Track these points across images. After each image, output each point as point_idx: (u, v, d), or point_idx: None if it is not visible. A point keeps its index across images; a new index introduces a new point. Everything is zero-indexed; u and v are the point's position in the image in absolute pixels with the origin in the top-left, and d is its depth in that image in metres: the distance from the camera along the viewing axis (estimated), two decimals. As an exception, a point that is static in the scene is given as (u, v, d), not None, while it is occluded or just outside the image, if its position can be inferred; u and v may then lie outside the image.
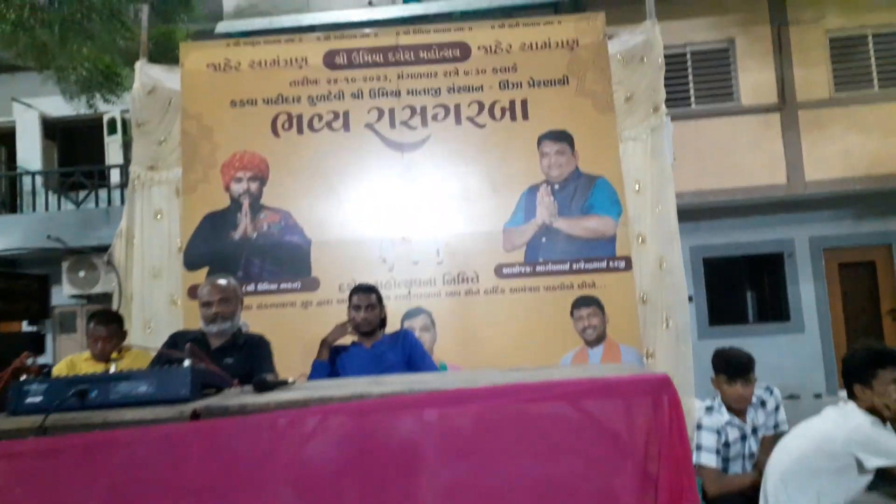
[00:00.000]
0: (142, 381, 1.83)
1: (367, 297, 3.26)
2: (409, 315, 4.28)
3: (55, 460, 1.69)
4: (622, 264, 4.27)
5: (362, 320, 3.19)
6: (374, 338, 3.25)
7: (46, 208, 8.60)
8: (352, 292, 3.35)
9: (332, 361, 3.16)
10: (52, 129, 9.49)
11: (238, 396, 1.88)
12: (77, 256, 8.04)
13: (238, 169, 4.50)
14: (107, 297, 8.25)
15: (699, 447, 2.83)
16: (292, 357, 3.67)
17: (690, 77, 7.91)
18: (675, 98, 7.68)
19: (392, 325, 3.87)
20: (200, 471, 1.68)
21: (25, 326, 7.01)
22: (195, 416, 1.72)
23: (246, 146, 4.51)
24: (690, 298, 7.83)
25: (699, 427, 2.88)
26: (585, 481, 1.64)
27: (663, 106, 4.44)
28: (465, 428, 1.64)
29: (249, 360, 2.82)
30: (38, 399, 1.83)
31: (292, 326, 4.25)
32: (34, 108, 9.17)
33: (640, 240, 4.35)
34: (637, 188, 4.40)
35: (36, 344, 1.90)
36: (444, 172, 4.45)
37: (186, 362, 1.89)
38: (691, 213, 7.53)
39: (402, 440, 1.63)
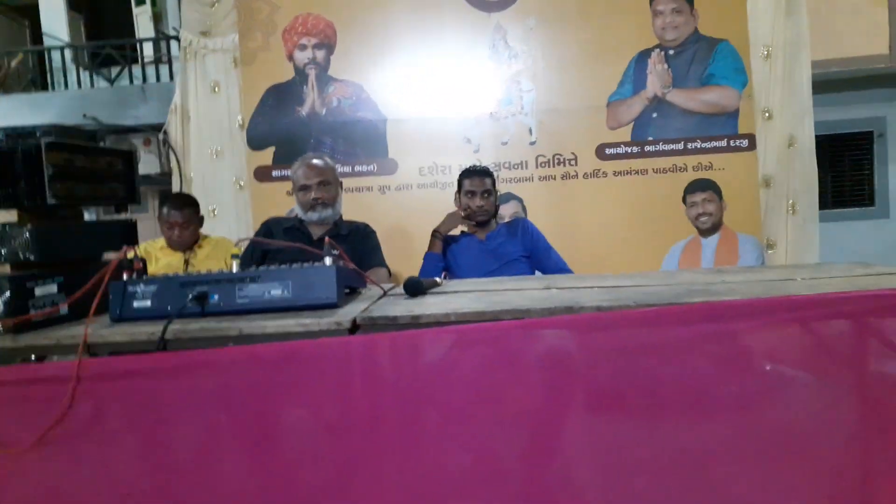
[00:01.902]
0: (275, 283, 1.44)
1: (481, 181, 2.80)
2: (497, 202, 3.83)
3: (181, 381, 1.33)
4: (745, 143, 3.74)
5: (477, 209, 2.75)
6: (487, 228, 2.82)
7: (79, 85, 8.10)
8: (462, 176, 2.89)
9: (443, 254, 2.75)
10: (77, 0, 8.79)
11: (396, 303, 1.49)
12: (116, 136, 7.63)
13: (301, 35, 3.94)
14: (148, 178, 7.91)
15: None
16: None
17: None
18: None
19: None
20: (361, 395, 1.31)
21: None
22: (354, 328, 1.33)
23: (310, 7, 3.94)
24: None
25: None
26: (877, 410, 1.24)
27: (802, -47, 3.74)
28: (724, 351, 1.22)
29: (356, 251, 2.43)
30: (146, 303, 1.46)
31: (369, 212, 3.80)
32: (55, -24, 8.45)
33: (766, 115, 3.79)
34: (765, 54, 3.78)
35: (129, 235, 1.57)
36: (538, 36, 3.86)
37: (328, 260, 1.48)
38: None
39: (635, 365, 1.23)
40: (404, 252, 3.51)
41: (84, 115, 7.24)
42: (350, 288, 1.68)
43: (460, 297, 1.49)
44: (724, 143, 3.76)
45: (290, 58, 3.93)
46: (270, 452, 1.29)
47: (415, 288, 1.56)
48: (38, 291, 1.49)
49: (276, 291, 1.44)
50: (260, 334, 1.33)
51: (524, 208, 3.87)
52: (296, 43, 3.92)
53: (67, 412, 1.33)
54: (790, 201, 3.80)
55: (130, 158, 1.73)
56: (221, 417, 1.33)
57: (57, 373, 1.37)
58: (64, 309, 1.52)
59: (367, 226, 2.65)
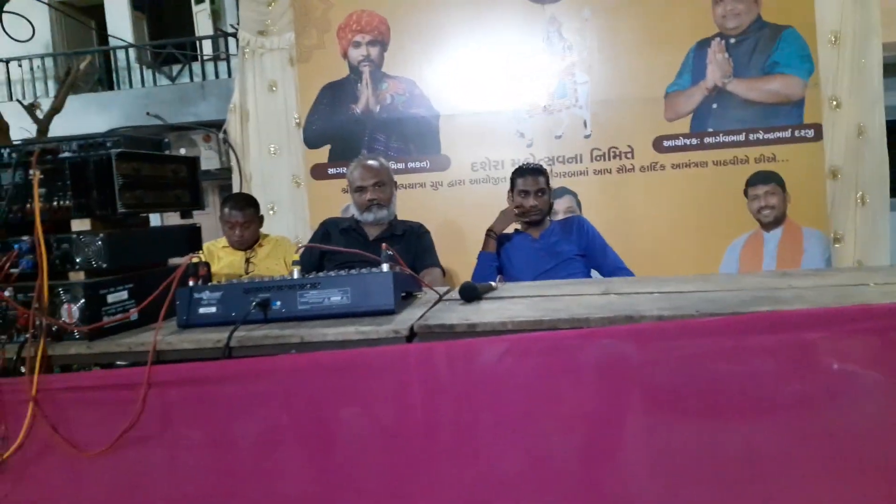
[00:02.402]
0: (335, 290, 1.47)
1: (535, 180, 2.78)
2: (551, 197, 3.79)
3: (247, 387, 1.37)
4: (810, 133, 3.60)
5: (531, 208, 2.73)
6: (541, 227, 2.80)
7: (143, 84, 8.38)
8: (515, 174, 2.88)
9: (496, 253, 2.74)
10: (140, 0, 9.08)
11: (451, 309, 1.49)
12: (177, 133, 7.87)
13: (356, 32, 3.97)
14: (209, 173, 8.14)
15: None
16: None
17: None
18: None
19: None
20: (419, 403, 1.32)
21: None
22: (411, 335, 1.34)
23: (363, 4, 3.95)
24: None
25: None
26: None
27: (873, -68, 3.56)
28: (790, 363, 1.18)
29: (411, 251, 2.45)
30: (211, 309, 1.51)
31: (422, 209, 3.84)
32: (119, -23, 8.75)
33: (833, 103, 3.63)
34: (833, 40, 3.62)
35: (194, 241, 1.63)
36: (593, 27, 3.78)
37: (385, 266, 1.49)
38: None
39: (701, 375, 1.20)
40: (458, 249, 3.52)
41: (147, 113, 7.49)
42: (407, 292, 1.69)
43: (516, 303, 1.49)
44: (788, 133, 3.63)
45: (345, 55, 3.96)
46: (332, 459, 1.32)
47: (470, 293, 1.57)
48: (111, 298, 1.55)
49: (335, 298, 1.47)
50: (321, 341, 1.35)
51: (578, 203, 3.82)
52: (350, 40, 3.95)
53: (139, 417, 1.39)
54: (859, 193, 3.64)
55: (194, 165, 1.78)
56: (285, 424, 1.37)
57: (129, 379, 1.43)
58: (134, 315, 1.58)
59: (421, 226, 2.66)
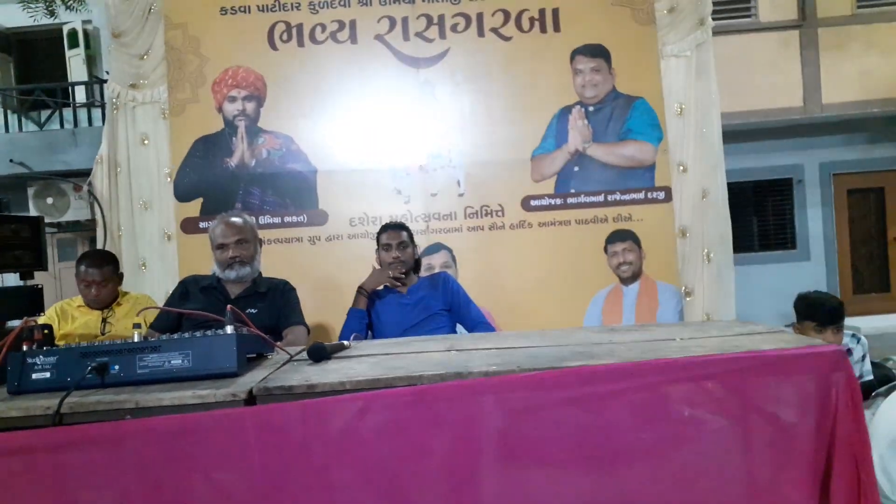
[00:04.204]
0: (175, 353, 1.46)
1: (397, 234, 2.88)
2: (428, 252, 3.91)
3: (76, 455, 1.33)
4: (661, 195, 3.93)
5: (394, 260, 2.81)
6: (409, 281, 2.88)
7: (7, 129, 7.91)
8: (379, 231, 2.97)
9: (367, 309, 2.79)
10: (7, 42, 8.62)
11: (295, 370, 1.52)
12: (44, 182, 7.45)
13: (231, 87, 3.98)
14: (78, 225, 7.74)
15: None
16: (302, 297, 3.29)
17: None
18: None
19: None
20: (257, 467, 1.33)
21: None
22: (251, 399, 1.36)
23: (239, 61, 3.99)
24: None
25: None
26: (740, 477, 1.33)
27: (709, 19, 4.00)
28: (595, 413, 1.30)
29: (275, 309, 2.44)
30: (45, 374, 1.46)
31: (299, 264, 3.87)
32: (-16, 18, 8.30)
33: (681, 168, 3.99)
34: (679, 111, 4.00)
35: (34, 302, 1.55)
36: (466, 92, 4.00)
37: (229, 328, 1.51)
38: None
39: (517, 427, 1.29)
40: (335, 304, 3.52)
41: (11, 161, 7.06)
42: (257, 353, 1.70)
43: (362, 362, 1.53)
44: (642, 195, 3.94)
45: (220, 109, 3.96)
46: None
47: (319, 353, 1.60)
48: (-67, 365, 1.46)
49: (176, 361, 1.46)
50: (157, 406, 1.34)
51: (454, 258, 3.95)
52: (226, 94, 3.96)
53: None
54: (705, 251, 3.98)
55: (38, 225, 1.73)
56: (119, 493, 1.33)
57: (-52, 449, 1.35)
58: (-40, 382, 1.50)
59: (286, 283, 2.67)
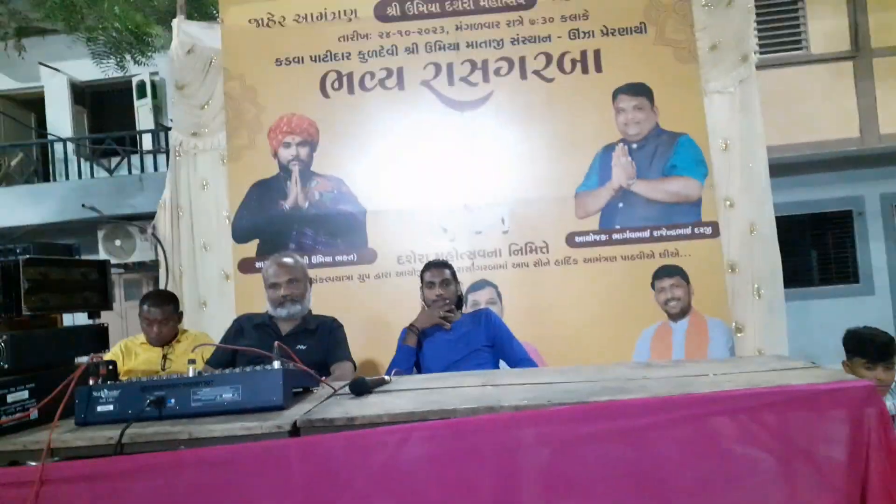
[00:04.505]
0: (227, 387, 1.56)
1: (440, 272, 2.96)
2: (473, 288, 3.98)
3: (136, 483, 1.43)
4: (708, 230, 3.91)
5: (438, 297, 2.89)
6: (452, 318, 2.95)
7: (80, 176, 8.42)
8: (423, 270, 3.06)
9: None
10: (82, 94, 9.23)
11: (338, 403, 1.60)
12: (112, 225, 7.87)
13: (286, 133, 4.18)
14: (144, 266, 8.11)
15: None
16: (352, 333, 3.40)
17: (754, 24, 7.36)
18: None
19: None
20: (302, 494, 1.40)
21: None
22: (295, 430, 1.44)
23: (293, 108, 4.18)
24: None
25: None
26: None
27: (753, 55, 4.01)
28: (625, 447, 1.33)
29: (323, 346, 2.55)
30: (109, 407, 1.58)
31: (350, 301, 3.97)
32: (62, 72, 8.90)
33: (727, 203, 3.97)
34: (724, 146, 4.00)
35: (100, 339, 1.69)
36: (509, 133, 4.09)
37: (276, 363, 1.60)
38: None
39: (548, 460, 1.34)
40: (384, 340, 3.61)
41: (83, 205, 7.49)
42: (303, 387, 1.79)
43: (401, 396, 1.60)
44: (688, 230, 3.92)
45: (275, 155, 4.15)
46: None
47: (360, 388, 1.68)
48: (10, 398, 1.60)
49: (227, 395, 1.56)
50: (208, 437, 1.43)
51: (499, 294, 4.00)
52: (281, 141, 4.15)
53: (30, 514, 1.42)
54: (755, 286, 3.92)
55: (104, 268, 1.88)
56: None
57: (23, 477, 1.47)
58: (34, 414, 1.63)
59: (334, 320, 2.77)
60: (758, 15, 7.29)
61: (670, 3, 4.03)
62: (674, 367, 1.71)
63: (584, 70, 4.07)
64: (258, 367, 1.62)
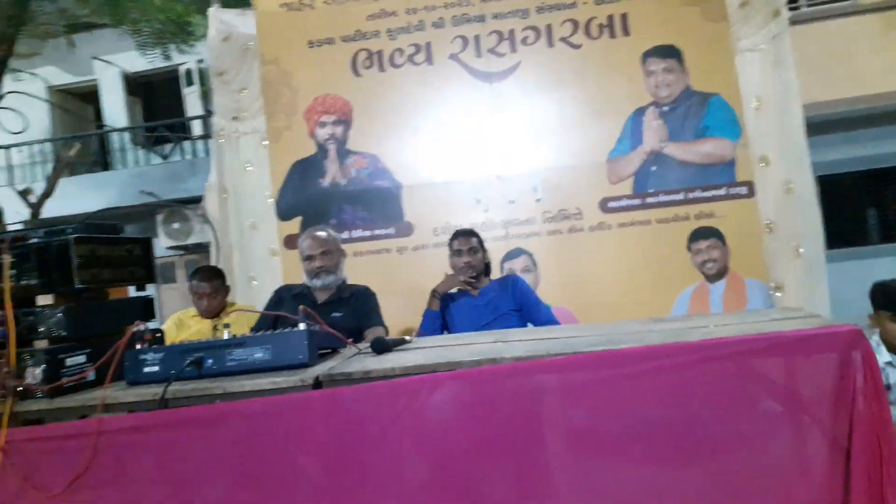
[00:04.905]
0: (258, 348, 1.71)
1: (467, 240, 3.06)
2: (508, 257, 4.06)
3: (178, 433, 1.60)
4: (744, 190, 3.88)
5: (465, 265, 3.00)
6: (480, 284, 3.06)
7: (137, 163, 8.81)
8: (451, 238, 3.16)
9: (441, 312, 2.99)
10: (134, 85, 9.62)
11: (358, 360, 1.73)
12: (170, 209, 8.23)
13: (321, 113, 4.31)
14: (202, 246, 8.45)
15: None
16: (391, 302, 3.53)
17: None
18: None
19: (492, 269, 3.67)
20: (325, 440, 1.54)
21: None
22: (317, 384, 1.58)
23: (327, 89, 4.31)
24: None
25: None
26: (763, 452, 1.40)
27: (785, 10, 3.92)
28: (617, 394, 1.42)
29: (357, 313, 2.69)
30: (154, 368, 1.75)
31: (389, 272, 4.12)
32: (114, 64, 9.28)
33: (763, 162, 3.93)
34: (757, 105, 3.94)
35: (146, 310, 1.88)
36: (538, 101, 4.12)
37: (302, 325, 1.74)
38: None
39: (541, 407, 1.44)
40: (422, 307, 3.69)
41: (141, 191, 7.86)
42: (331, 348, 1.93)
43: (416, 353, 1.72)
44: (723, 191, 3.90)
45: (312, 135, 4.30)
46: (247, 494, 1.53)
47: (381, 346, 1.80)
48: (69, 361, 1.79)
49: (258, 354, 1.71)
50: (240, 391, 1.58)
51: (534, 262, 4.07)
52: (317, 121, 4.29)
53: (91, 461, 1.61)
54: (794, 244, 3.88)
55: (147, 245, 2.05)
56: (211, 462, 1.59)
57: (82, 429, 1.66)
58: (91, 375, 1.82)
59: (367, 289, 2.91)
60: (803, -34, 7.11)
61: (698, -38, 3.97)
62: (679, 321, 1.77)
63: (612, 35, 4.06)
64: (286, 330, 1.76)
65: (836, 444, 1.34)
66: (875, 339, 2.60)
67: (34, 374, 1.75)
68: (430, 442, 1.46)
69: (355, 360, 1.74)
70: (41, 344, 1.79)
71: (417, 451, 1.48)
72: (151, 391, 1.65)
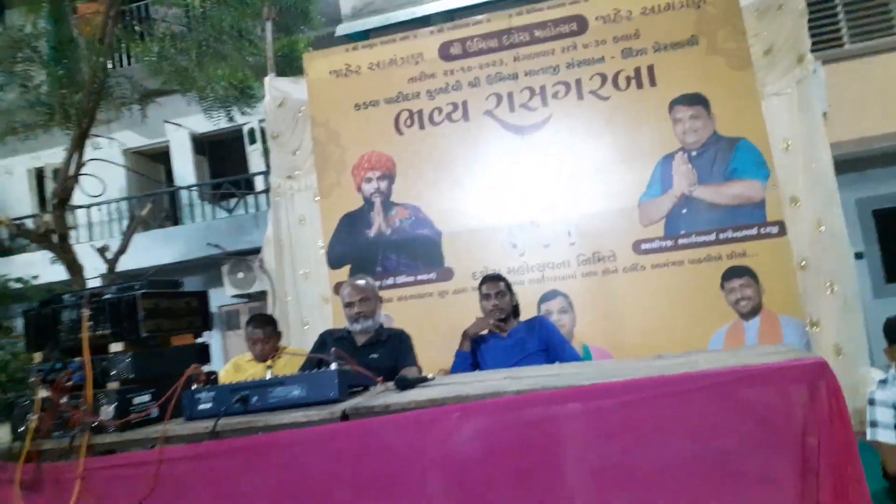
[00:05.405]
0: (295, 386, 1.95)
1: (495, 285, 3.26)
2: (544, 299, 4.22)
3: (227, 461, 1.84)
4: (775, 229, 3.95)
5: (493, 308, 3.19)
6: (509, 326, 3.24)
7: (203, 218, 9.39)
8: (480, 283, 3.37)
9: (473, 352, 3.18)
10: (201, 145, 10.32)
11: (382, 395, 1.95)
12: (234, 259, 8.73)
13: (367, 170, 4.63)
14: (264, 294, 8.89)
15: (874, 423, 2.60)
16: (434, 344, 3.74)
17: (841, 13, 7.15)
18: (825, 39, 7.00)
19: (529, 310, 3.85)
20: (353, 466, 1.75)
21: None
22: (344, 416, 1.80)
23: (372, 146, 4.63)
24: (860, 255, 7.24)
25: (871, 402, 2.63)
26: (740, 477, 1.53)
27: (809, 55, 4.04)
28: (605, 423, 1.58)
29: (393, 354, 2.91)
30: (208, 405, 2.00)
31: (431, 315, 4.33)
32: (184, 126, 10.00)
33: (793, 202, 4.00)
34: (786, 147, 4.05)
35: (202, 354, 2.14)
36: (570, 150, 4.32)
37: (333, 365, 1.97)
38: (854, 164, 6.87)
39: (540, 434, 1.61)
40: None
41: (208, 244, 8.37)
42: (363, 385, 2.15)
43: (433, 388, 1.93)
44: (754, 230, 3.98)
45: (359, 189, 4.61)
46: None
47: (404, 384, 2.02)
48: (136, 400, 2.07)
49: (296, 392, 1.95)
50: (278, 424, 1.82)
51: (570, 303, 4.22)
52: (363, 177, 4.61)
53: (154, 486, 1.87)
54: (827, 282, 3.92)
55: (204, 297, 2.34)
56: (254, 485, 1.82)
57: (146, 458, 1.92)
58: (154, 412, 2.09)
59: (402, 332, 3.14)
60: (844, 3, 7.15)
61: (720, 14, 4.14)
62: (677, 357, 1.92)
63: (639, 86, 4.26)
64: (320, 370, 2.00)
65: (807, 465, 1.47)
66: (892, 373, 2.65)
67: (107, 411, 2.03)
68: (448, 465, 1.66)
69: (380, 395, 1.96)
70: (113, 385, 2.07)
71: (427, 468, 1.68)
72: (205, 425, 1.90)
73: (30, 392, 2.09)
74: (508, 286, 3.30)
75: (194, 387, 2.06)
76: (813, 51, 5.92)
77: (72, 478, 1.92)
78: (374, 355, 2.84)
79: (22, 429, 2.04)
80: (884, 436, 2.57)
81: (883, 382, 2.65)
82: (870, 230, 7.33)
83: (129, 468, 1.95)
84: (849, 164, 6.88)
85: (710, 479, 1.51)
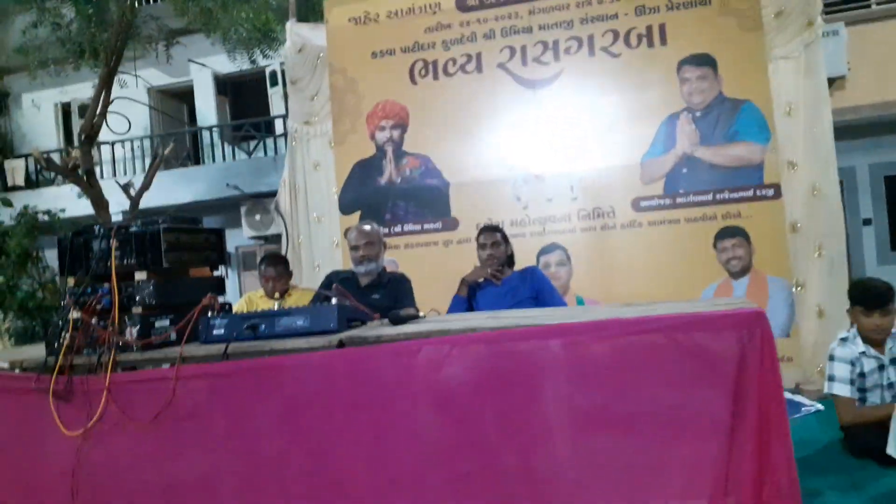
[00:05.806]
0: (299, 317, 2.17)
1: (491, 235, 3.45)
2: (544, 251, 4.41)
3: (236, 380, 2.08)
4: (770, 192, 4.08)
5: (488, 257, 3.39)
6: (503, 275, 3.43)
7: (224, 159, 9.60)
8: (478, 233, 3.56)
9: (469, 297, 3.39)
10: (224, 86, 10.46)
11: (376, 328, 2.17)
12: (253, 201, 8.96)
13: (381, 118, 4.78)
14: (280, 237, 9.17)
15: (832, 377, 2.79)
16: (436, 290, 3.93)
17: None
18: (852, 0, 6.91)
19: (528, 261, 4.04)
20: (349, 388, 1.98)
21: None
22: (340, 345, 2.02)
23: (387, 95, 4.77)
24: (868, 221, 7.29)
25: (831, 358, 2.81)
26: (676, 412, 1.72)
27: (819, 19, 4.09)
28: (561, 360, 1.78)
29: (393, 295, 3.12)
30: (221, 331, 2.23)
31: (435, 263, 4.54)
32: (207, 66, 10.12)
33: (790, 166, 4.12)
34: (788, 111, 4.14)
35: (218, 286, 2.35)
36: (578, 106, 4.44)
37: (334, 300, 2.19)
38: (871, 129, 6.87)
39: (505, 368, 1.82)
40: (463, 295, 4.15)
41: (227, 185, 8.60)
42: (361, 320, 2.37)
43: (420, 325, 2.14)
44: (750, 192, 4.11)
45: (373, 137, 4.78)
46: (289, 423, 2.00)
47: (397, 319, 2.23)
48: (157, 324, 2.31)
49: (299, 322, 2.17)
50: (282, 349, 2.05)
51: (568, 256, 4.41)
52: (377, 125, 4.77)
53: (171, 400, 2.12)
54: (817, 244, 4.06)
55: (221, 234, 2.56)
56: (259, 401, 2.06)
57: (166, 375, 2.16)
58: (173, 335, 2.33)
59: (403, 275, 3.34)
60: (871, -34, 7.01)
61: (734, -26, 4.18)
62: (641, 306, 2.11)
63: (650, 44, 4.34)
64: (322, 304, 2.22)
65: (738, 403, 1.67)
66: (853, 332, 2.82)
67: (131, 332, 2.27)
68: (431, 391, 1.89)
69: (374, 329, 2.18)
70: (137, 310, 2.31)
71: (411, 391, 1.91)
72: (218, 348, 2.13)
73: (63, 312, 2.33)
74: (505, 237, 3.48)
75: (209, 314, 2.29)
76: (838, 11, 5.92)
77: (99, 389, 2.17)
78: (376, 296, 3.05)
79: (56, 345, 2.29)
80: (839, 389, 2.75)
81: (843, 340, 2.82)
82: (879, 197, 7.37)
83: (149, 383, 2.19)
84: (866, 129, 6.89)
85: (650, 414, 1.71)
